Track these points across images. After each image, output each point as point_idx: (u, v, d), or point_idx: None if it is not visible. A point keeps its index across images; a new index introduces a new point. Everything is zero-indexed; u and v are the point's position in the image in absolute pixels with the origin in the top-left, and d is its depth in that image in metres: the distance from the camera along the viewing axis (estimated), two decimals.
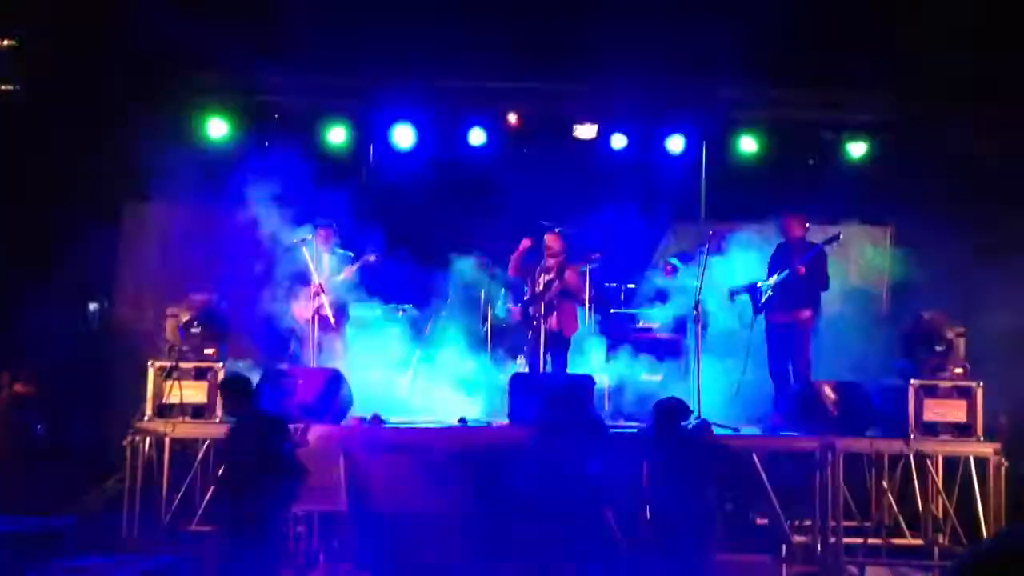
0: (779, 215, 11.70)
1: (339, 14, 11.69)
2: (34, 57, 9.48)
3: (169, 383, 9.11)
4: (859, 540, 9.26)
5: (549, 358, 10.54)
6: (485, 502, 8.71)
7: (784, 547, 9.18)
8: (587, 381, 9.55)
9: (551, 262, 10.77)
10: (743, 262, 10.90)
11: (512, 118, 12.57)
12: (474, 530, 8.66)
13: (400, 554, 8.66)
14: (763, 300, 10.31)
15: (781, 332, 10.32)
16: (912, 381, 9.26)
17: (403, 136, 12.58)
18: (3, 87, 9.36)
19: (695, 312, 10.16)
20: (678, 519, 7.83)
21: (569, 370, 10.52)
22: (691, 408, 8.18)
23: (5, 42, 9.10)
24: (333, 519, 8.96)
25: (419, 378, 11.14)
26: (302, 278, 10.47)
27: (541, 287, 10.75)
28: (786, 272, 10.13)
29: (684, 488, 7.83)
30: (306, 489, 8.61)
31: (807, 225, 10.46)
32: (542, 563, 7.99)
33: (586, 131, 12.63)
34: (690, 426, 8.19)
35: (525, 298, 10.97)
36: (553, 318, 10.63)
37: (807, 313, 10.21)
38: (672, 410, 8.04)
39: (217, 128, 12.31)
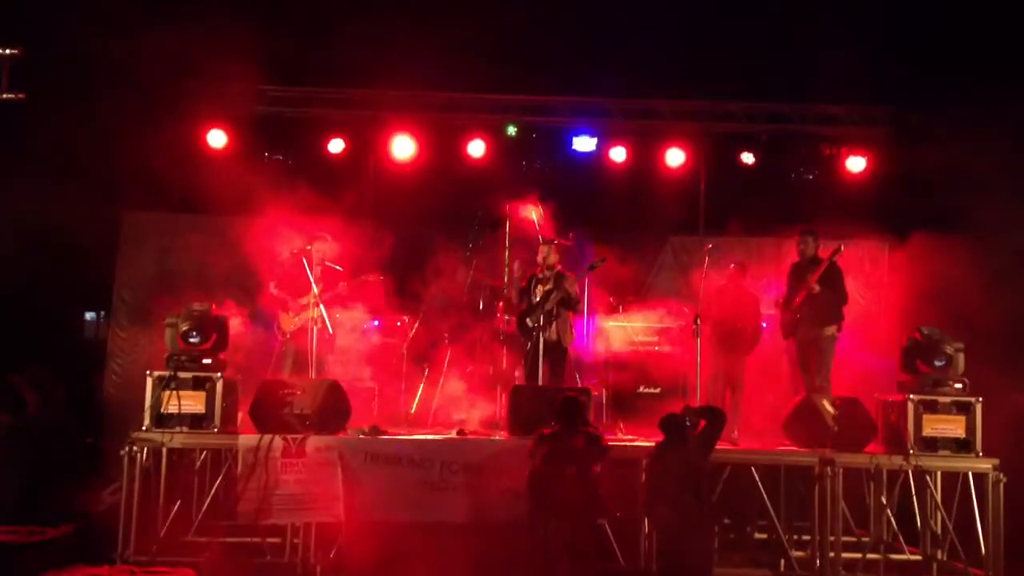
0: (778, 229, 11.76)
1: (339, 26, 11.72)
2: (36, 66, 9.47)
3: (167, 393, 9.06)
4: (858, 555, 9.24)
5: (547, 369, 10.48)
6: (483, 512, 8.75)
7: (783, 562, 9.18)
8: (585, 393, 9.51)
9: (549, 273, 10.73)
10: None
11: (511, 130, 12.58)
12: (471, 541, 8.65)
13: (397, 566, 8.63)
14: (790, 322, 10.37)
15: (806, 348, 10.33)
16: (911, 396, 9.24)
17: (402, 147, 12.58)
18: (5, 95, 9.33)
19: (695, 325, 10.16)
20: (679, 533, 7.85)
21: (567, 381, 10.48)
22: (696, 422, 8.15)
23: (7, 51, 9.08)
24: (330, 530, 8.90)
25: (418, 390, 11.09)
26: (300, 288, 10.42)
27: (539, 297, 10.69)
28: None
29: (684, 500, 7.84)
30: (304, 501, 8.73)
31: (817, 241, 10.46)
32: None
33: (585, 143, 12.65)
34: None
35: (523, 309, 10.92)
36: (552, 328, 10.57)
37: (831, 330, 10.22)
38: (677, 424, 8.07)
39: (216, 139, 12.30)
